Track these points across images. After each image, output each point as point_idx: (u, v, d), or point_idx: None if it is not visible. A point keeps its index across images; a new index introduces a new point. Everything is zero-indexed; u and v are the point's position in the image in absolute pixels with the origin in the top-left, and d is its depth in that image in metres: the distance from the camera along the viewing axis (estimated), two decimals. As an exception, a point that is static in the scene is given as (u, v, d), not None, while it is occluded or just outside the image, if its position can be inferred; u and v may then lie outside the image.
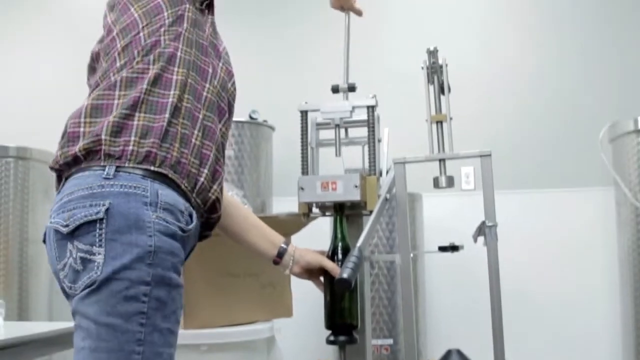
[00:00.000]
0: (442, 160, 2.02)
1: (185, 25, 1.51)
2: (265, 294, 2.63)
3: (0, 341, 2.03)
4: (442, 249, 1.98)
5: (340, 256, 1.83)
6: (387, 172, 2.09)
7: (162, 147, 1.37)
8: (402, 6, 4.55)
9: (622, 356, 3.81)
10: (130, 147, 1.35)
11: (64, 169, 1.41)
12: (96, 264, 1.27)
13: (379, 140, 2.08)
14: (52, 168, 1.44)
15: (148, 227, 1.30)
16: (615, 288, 3.89)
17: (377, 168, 2.00)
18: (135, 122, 1.38)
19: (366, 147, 2.04)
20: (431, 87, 2.09)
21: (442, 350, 3.50)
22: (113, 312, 1.26)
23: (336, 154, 2.07)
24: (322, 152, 2.17)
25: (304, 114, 2.08)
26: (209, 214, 1.51)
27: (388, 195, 1.97)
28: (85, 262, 1.29)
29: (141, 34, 1.47)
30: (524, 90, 4.32)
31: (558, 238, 4.12)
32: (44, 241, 1.41)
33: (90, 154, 1.36)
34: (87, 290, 1.28)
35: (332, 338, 1.81)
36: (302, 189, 1.92)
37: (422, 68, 2.10)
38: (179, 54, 1.47)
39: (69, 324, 2.46)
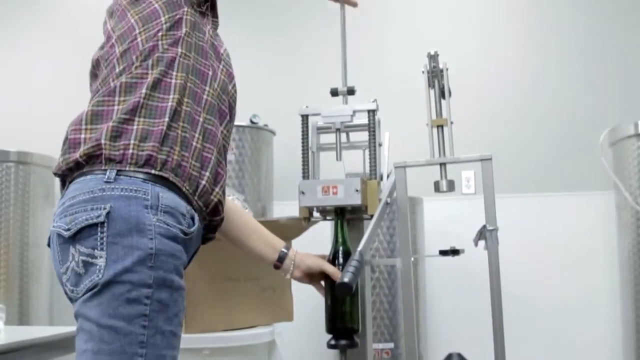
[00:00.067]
0: (442, 165, 2.02)
1: (184, 29, 1.51)
2: (266, 298, 2.63)
3: (1, 346, 2.04)
4: (443, 253, 1.98)
5: (341, 260, 1.83)
6: (387, 176, 2.09)
7: (162, 150, 1.38)
8: (403, 10, 4.55)
9: (623, 360, 3.81)
10: (130, 151, 1.36)
11: (67, 174, 1.42)
12: (98, 267, 1.28)
13: (380, 144, 2.08)
14: (55, 174, 1.45)
15: (149, 230, 1.30)
16: (616, 292, 3.89)
17: (377, 172, 2.00)
18: (135, 127, 1.38)
19: (367, 151, 2.04)
20: (432, 91, 2.10)
21: (443, 354, 3.49)
22: (115, 315, 1.26)
23: (337, 158, 2.07)
24: (323, 156, 2.17)
25: (305, 118, 2.08)
26: (212, 217, 1.51)
27: (389, 199, 1.97)
28: (87, 265, 1.29)
29: (139, 39, 1.48)
30: (525, 94, 4.32)
31: (559, 242, 4.12)
32: (49, 245, 1.41)
33: (91, 159, 1.37)
34: (89, 294, 1.28)
35: (333, 342, 1.81)
36: (303, 193, 1.92)
37: (423, 72, 2.10)
38: (177, 58, 1.48)
39: (70, 329, 2.46)
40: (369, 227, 1.85)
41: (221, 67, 1.60)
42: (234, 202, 1.76)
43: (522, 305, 3.96)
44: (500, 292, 1.86)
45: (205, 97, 1.51)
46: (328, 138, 2.12)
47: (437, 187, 2.02)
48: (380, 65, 4.45)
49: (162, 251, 1.31)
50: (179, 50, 1.49)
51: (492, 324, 1.85)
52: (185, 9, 1.54)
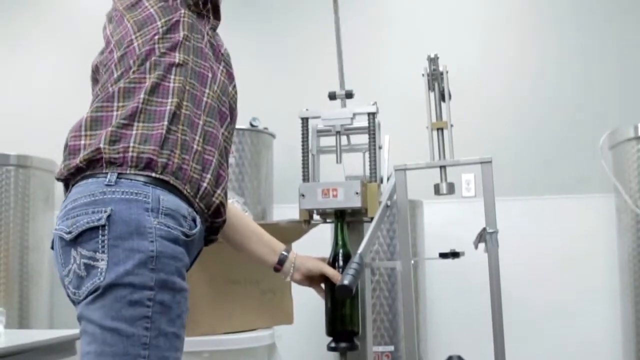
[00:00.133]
0: (442, 167, 2.02)
1: (181, 32, 1.51)
2: (266, 301, 2.63)
3: (1, 349, 2.04)
4: (443, 255, 1.98)
5: (341, 263, 1.83)
6: (387, 179, 2.10)
7: (162, 154, 1.38)
8: (403, 12, 4.56)
9: (623, 363, 3.81)
10: (130, 154, 1.36)
11: (70, 178, 1.42)
12: (99, 270, 1.28)
13: (380, 147, 2.08)
14: (58, 179, 1.46)
15: (149, 232, 1.31)
16: (616, 294, 3.88)
17: (377, 175, 2.00)
18: (134, 132, 1.39)
19: (367, 154, 2.05)
20: (432, 94, 2.10)
21: (443, 357, 3.48)
22: (118, 317, 1.27)
23: (337, 161, 2.07)
24: (323, 159, 2.17)
25: (305, 121, 2.09)
26: (214, 219, 1.51)
27: (389, 202, 1.97)
28: (88, 268, 1.29)
29: (135, 44, 1.48)
30: (525, 97, 4.32)
31: (558, 244, 4.12)
32: (52, 247, 1.42)
33: (92, 163, 1.37)
34: (91, 296, 1.29)
35: (333, 345, 1.81)
36: (303, 195, 1.92)
37: (423, 75, 2.10)
38: (175, 61, 1.48)
39: (70, 332, 2.46)
40: (369, 229, 1.85)
41: (221, 68, 1.60)
42: (233, 205, 1.76)
43: (522, 308, 3.96)
44: (500, 295, 1.86)
45: (205, 99, 1.51)
46: (328, 141, 2.12)
47: (437, 190, 2.02)
48: (380, 68, 4.45)
49: (163, 253, 1.31)
50: (177, 53, 1.49)
51: (492, 327, 1.85)
52: (182, 11, 1.54)
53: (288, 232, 2.23)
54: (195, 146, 1.44)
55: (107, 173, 1.35)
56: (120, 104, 1.42)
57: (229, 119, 1.59)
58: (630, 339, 3.65)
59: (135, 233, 1.30)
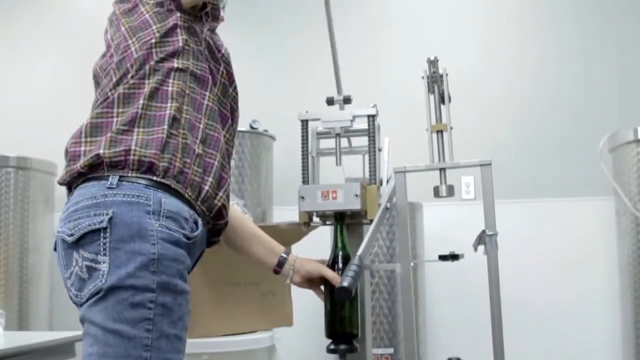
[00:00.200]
0: (442, 170, 2.02)
1: (179, 36, 1.52)
2: (266, 303, 2.63)
3: (0, 351, 2.03)
4: (443, 257, 1.98)
5: (340, 265, 1.83)
6: (387, 181, 2.10)
7: (163, 158, 1.38)
8: (403, 13, 4.56)
9: (622, 365, 3.81)
10: (132, 157, 1.37)
11: (72, 182, 1.43)
12: (101, 272, 1.29)
13: (380, 150, 2.08)
14: (60, 184, 1.47)
15: (151, 235, 1.31)
16: (616, 297, 3.89)
17: (377, 177, 2.00)
18: (134, 137, 1.39)
19: (366, 156, 2.04)
20: (431, 97, 2.10)
21: (443, 359, 3.49)
22: (120, 319, 1.27)
23: (337, 163, 2.07)
24: (323, 161, 2.17)
25: (305, 123, 2.09)
26: (216, 221, 1.52)
27: (388, 205, 1.97)
28: (90, 270, 1.30)
29: (132, 49, 1.49)
30: (525, 99, 4.32)
31: (558, 247, 4.12)
32: (55, 249, 1.42)
33: (93, 167, 1.38)
34: (94, 299, 1.29)
35: (332, 347, 1.81)
36: (303, 198, 1.92)
37: (423, 78, 2.10)
38: (175, 66, 1.48)
39: (69, 334, 2.47)
40: (369, 232, 1.85)
41: (221, 69, 1.60)
42: (233, 207, 1.76)
43: (521, 310, 3.96)
44: (500, 297, 1.86)
45: (205, 102, 1.52)
46: (328, 143, 2.12)
47: (436, 193, 2.02)
48: (380, 70, 4.46)
49: (165, 256, 1.32)
50: (177, 58, 1.49)
51: (492, 329, 1.85)
52: (178, 14, 1.54)
53: (288, 234, 2.23)
54: (196, 149, 1.45)
55: (109, 176, 1.36)
56: (120, 110, 1.43)
57: (230, 120, 1.59)
58: (629, 341, 3.65)
59: (137, 235, 1.30)
